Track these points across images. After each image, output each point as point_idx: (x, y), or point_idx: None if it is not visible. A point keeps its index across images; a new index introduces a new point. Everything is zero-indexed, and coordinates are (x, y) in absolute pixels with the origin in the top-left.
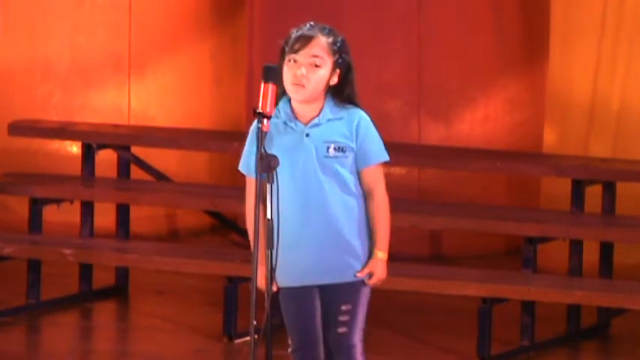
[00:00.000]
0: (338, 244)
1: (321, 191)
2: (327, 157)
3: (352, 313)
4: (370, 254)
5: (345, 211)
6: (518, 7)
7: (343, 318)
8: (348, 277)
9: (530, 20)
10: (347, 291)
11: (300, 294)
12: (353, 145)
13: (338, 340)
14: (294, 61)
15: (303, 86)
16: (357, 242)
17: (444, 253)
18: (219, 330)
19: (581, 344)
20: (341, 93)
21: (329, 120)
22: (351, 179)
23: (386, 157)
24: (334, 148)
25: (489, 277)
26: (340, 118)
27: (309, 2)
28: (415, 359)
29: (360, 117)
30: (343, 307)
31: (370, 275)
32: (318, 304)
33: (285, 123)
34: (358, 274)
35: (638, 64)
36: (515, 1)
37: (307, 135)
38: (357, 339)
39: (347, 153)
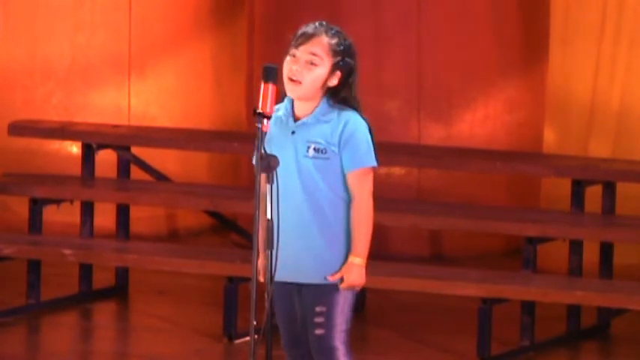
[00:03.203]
0: (308, 245)
1: (296, 190)
2: (306, 157)
3: (327, 315)
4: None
5: (319, 212)
6: (518, 7)
7: (318, 320)
8: (319, 279)
9: (530, 21)
10: (320, 292)
11: (283, 290)
12: (335, 148)
13: (316, 341)
14: (294, 55)
15: (298, 82)
16: (328, 245)
17: (444, 253)
18: (219, 330)
19: (581, 344)
20: (337, 95)
21: (318, 121)
22: (330, 182)
23: (372, 163)
24: (314, 149)
25: (489, 277)
26: (329, 121)
27: (309, 2)
28: (415, 359)
29: (348, 120)
30: (317, 309)
31: (342, 280)
32: (297, 302)
33: (281, 119)
34: (330, 278)
35: (638, 64)
36: (515, 1)
37: (293, 132)
38: (338, 341)
39: (327, 155)
